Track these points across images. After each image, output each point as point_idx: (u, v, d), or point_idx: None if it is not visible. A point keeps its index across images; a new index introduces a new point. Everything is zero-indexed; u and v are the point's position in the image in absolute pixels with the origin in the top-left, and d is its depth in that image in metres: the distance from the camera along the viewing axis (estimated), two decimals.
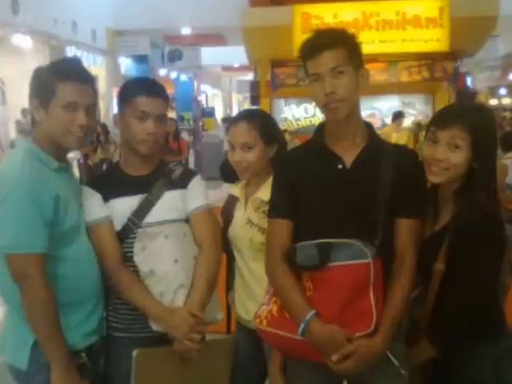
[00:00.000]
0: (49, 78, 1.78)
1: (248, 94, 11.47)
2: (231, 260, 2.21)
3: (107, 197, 1.97)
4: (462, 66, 8.29)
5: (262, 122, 2.10)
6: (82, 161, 9.67)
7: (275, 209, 1.83)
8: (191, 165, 11.95)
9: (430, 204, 1.82)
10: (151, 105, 1.93)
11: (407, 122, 8.94)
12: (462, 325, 1.69)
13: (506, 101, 18.73)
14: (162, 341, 1.88)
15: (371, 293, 1.64)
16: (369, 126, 1.84)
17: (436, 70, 8.08)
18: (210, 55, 15.67)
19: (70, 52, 11.15)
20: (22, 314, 1.73)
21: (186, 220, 2.00)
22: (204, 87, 22.65)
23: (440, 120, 1.76)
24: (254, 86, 8.77)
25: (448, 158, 1.71)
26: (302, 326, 1.64)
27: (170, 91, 13.89)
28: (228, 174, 2.23)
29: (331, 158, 1.77)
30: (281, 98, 9.10)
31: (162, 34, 13.97)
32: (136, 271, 1.90)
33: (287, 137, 5.90)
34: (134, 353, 1.83)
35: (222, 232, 2.14)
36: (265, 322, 1.75)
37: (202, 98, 20.97)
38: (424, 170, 1.76)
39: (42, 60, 9.26)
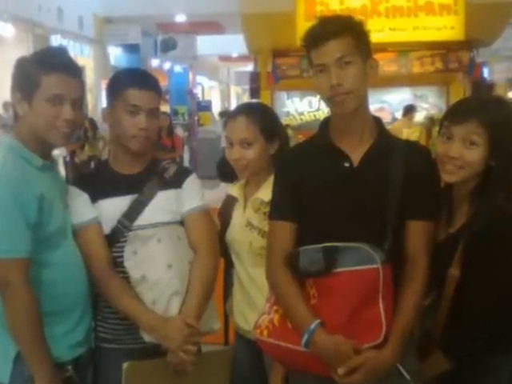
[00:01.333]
0: (33, 69, 1.79)
1: (247, 87, 11.46)
2: (229, 265, 2.22)
3: (95, 197, 1.97)
4: (478, 55, 8.29)
5: (262, 117, 2.10)
6: (68, 158, 9.68)
7: (277, 210, 1.83)
8: (186, 163, 11.96)
9: (443, 205, 1.82)
10: (143, 98, 1.93)
11: (419, 116, 8.94)
12: (479, 326, 1.69)
13: None
14: (154, 352, 1.88)
15: (380, 300, 1.64)
16: (378, 121, 1.85)
17: (450, 60, 8.08)
18: (206, 44, 15.68)
19: (56, 41, 11.16)
20: (4, 323, 1.73)
21: (181, 222, 2.00)
22: (200, 79, 22.67)
23: (455, 114, 1.76)
24: (254, 78, 8.77)
25: (463, 155, 1.71)
26: (306, 336, 1.64)
27: (163, 83, 13.88)
28: (226, 172, 2.23)
29: (337, 155, 1.77)
30: (283, 91, 9.09)
31: (154, 22, 13.97)
32: (126, 277, 1.90)
33: (290, 132, 5.89)
34: (125, 365, 1.84)
35: (219, 235, 2.14)
36: (265, 333, 1.76)
37: (197, 90, 20.99)
38: (437, 169, 1.76)
39: (25, 49, 9.27)
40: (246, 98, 20.44)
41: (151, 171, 2.02)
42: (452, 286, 1.72)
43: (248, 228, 2.08)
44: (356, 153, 1.76)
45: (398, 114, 9.05)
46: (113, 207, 1.96)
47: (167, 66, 17.55)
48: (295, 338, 1.67)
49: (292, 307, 1.70)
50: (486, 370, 1.72)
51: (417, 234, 1.74)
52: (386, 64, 7.86)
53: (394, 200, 1.70)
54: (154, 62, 16.61)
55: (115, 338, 1.98)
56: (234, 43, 13.80)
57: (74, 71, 1.85)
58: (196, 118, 15.79)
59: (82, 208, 1.95)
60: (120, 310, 1.90)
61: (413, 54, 8.14)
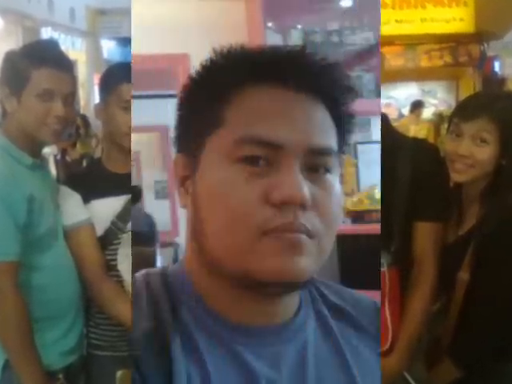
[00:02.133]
0: (22, 63, 1.78)
1: None
2: None
3: (88, 197, 1.97)
4: (489, 49, 8.30)
5: None
6: (59, 157, 9.68)
7: None
8: None
9: (452, 205, 1.82)
10: None
11: (427, 112, 8.92)
12: (489, 332, 1.69)
13: None
14: None
15: (386, 305, 1.64)
16: (383, 118, 1.85)
17: (460, 53, 8.09)
18: None
19: (46, 33, 11.15)
20: None
21: None
22: None
23: (464, 110, 1.76)
24: None
25: (473, 153, 1.71)
26: None
27: None
28: None
29: None
30: None
31: None
32: (120, 281, 1.90)
33: None
34: (118, 374, 1.83)
35: None
36: None
37: None
38: (446, 167, 1.76)
39: (13, 42, 9.26)
40: None
41: None
42: (462, 291, 1.72)
43: None
44: None
45: (405, 111, 9.03)
46: (106, 208, 1.96)
47: None
48: None
49: None
50: (497, 377, 1.72)
51: (424, 235, 1.74)
52: (393, 58, 7.86)
53: (400, 200, 1.70)
54: None
55: (108, 345, 1.97)
56: None
57: (65, 65, 1.85)
58: None
59: (74, 208, 1.95)
60: (113, 315, 1.90)
61: (420, 47, 8.13)
